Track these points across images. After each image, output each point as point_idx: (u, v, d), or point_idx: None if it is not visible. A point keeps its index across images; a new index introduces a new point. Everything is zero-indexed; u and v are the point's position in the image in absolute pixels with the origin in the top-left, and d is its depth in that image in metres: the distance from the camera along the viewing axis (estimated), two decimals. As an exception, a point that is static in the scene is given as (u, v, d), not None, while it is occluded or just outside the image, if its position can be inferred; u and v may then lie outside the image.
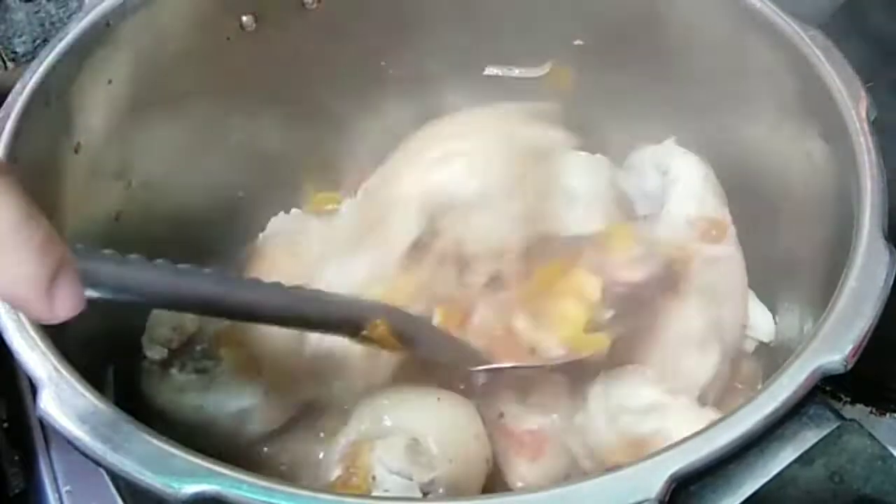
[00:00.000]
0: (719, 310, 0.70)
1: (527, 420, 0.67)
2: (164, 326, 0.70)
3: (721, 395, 0.70)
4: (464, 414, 0.67)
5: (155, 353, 0.70)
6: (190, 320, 0.71)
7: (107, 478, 0.68)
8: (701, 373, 0.68)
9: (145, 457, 0.46)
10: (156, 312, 0.71)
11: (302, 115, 0.83)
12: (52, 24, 0.84)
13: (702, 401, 0.67)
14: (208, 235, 0.82)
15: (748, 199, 0.75)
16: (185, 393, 0.68)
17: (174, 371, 0.69)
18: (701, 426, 0.61)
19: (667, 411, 0.63)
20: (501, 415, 0.68)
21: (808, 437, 0.50)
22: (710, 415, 0.64)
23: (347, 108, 0.84)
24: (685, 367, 0.68)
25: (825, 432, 0.50)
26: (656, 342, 0.69)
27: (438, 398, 0.67)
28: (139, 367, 0.71)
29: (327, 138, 0.85)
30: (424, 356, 0.67)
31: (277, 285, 0.56)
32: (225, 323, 0.71)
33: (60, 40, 0.64)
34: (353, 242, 0.73)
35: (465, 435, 0.66)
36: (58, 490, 0.71)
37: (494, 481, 0.68)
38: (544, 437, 0.66)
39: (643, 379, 0.66)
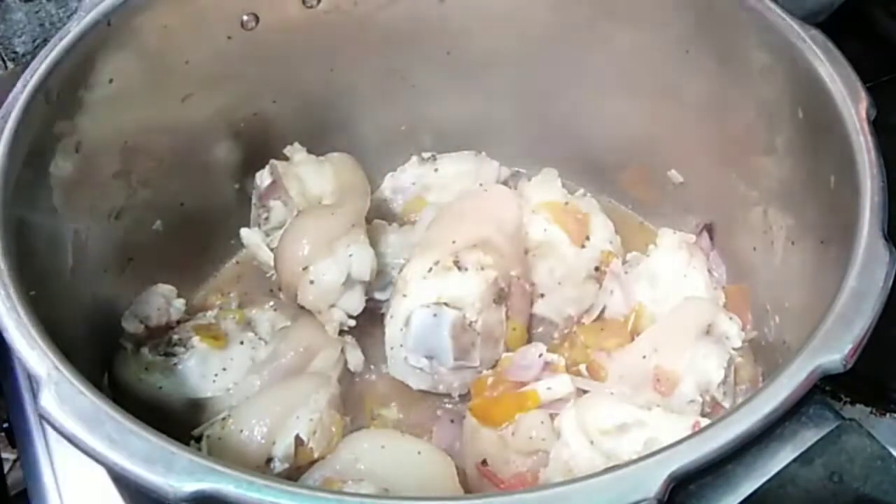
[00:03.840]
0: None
1: (513, 463, 0.66)
2: (147, 306, 0.74)
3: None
4: (441, 471, 0.66)
5: (131, 325, 0.73)
6: (174, 308, 0.76)
7: (107, 477, 0.68)
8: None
9: (145, 456, 0.46)
10: (145, 293, 0.75)
11: (302, 113, 0.83)
12: (52, 24, 0.84)
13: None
14: (206, 230, 0.83)
15: (746, 198, 0.75)
16: (149, 371, 0.71)
17: (145, 350, 0.72)
18: (687, 426, 0.61)
19: (646, 424, 0.63)
20: (485, 461, 0.67)
21: (808, 437, 0.50)
22: (693, 417, 0.64)
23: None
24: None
25: (825, 432, 0.50)
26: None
27: (419, 452, 0.66)
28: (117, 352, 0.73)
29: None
30: None
31: None
32: (208, 316, 0.76)
33: (60, 40, 0.64)
34: None
35: (436, 491, 0.65)
36: (58, 490, 0.71)
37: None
38: (533, 476, 0.66)
39: (610, 399, 0.66)
